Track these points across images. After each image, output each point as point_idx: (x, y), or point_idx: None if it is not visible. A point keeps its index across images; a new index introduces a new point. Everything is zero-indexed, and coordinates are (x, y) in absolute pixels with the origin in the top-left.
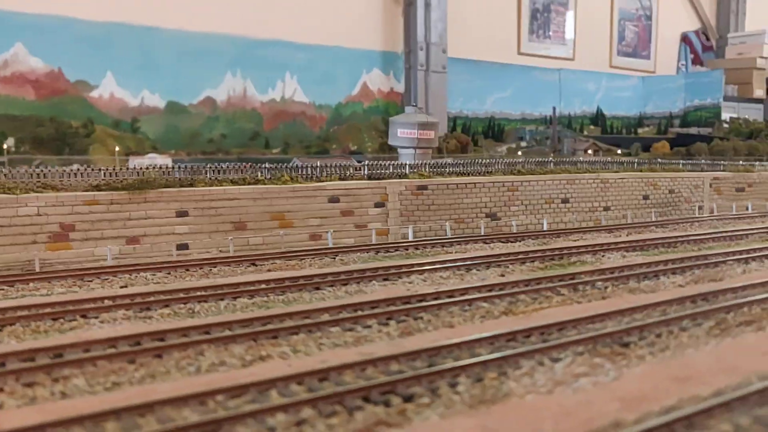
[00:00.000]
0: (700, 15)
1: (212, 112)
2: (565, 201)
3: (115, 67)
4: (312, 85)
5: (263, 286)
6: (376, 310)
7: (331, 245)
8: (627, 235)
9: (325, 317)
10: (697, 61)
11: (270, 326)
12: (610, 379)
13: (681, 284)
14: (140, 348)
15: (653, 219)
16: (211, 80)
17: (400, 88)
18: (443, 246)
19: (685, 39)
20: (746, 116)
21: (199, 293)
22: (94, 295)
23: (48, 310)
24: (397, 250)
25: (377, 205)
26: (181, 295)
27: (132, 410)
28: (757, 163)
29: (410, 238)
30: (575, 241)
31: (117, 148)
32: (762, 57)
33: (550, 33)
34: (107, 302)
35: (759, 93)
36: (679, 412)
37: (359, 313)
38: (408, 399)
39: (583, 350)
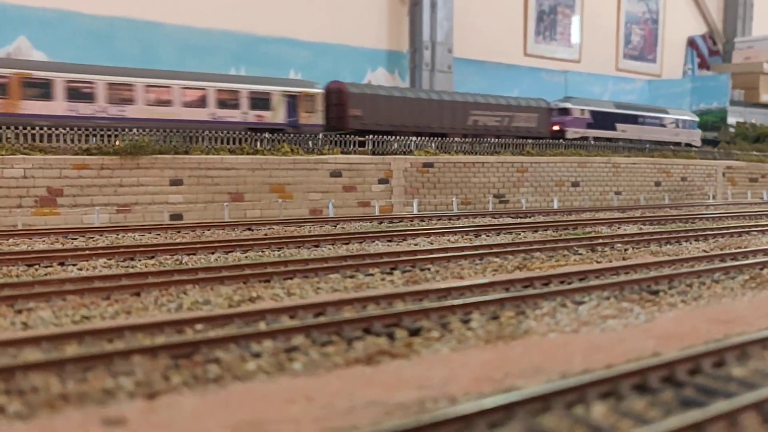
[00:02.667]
0: (707, 19)
1: None
2: (575, 184)
3: (118, 61)
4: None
5: (259, 243)
6: (379, 261)
7: (331, 215)
8: (641, 214)
9: (325, 265)
10: (703, 65)
11: (262, 270)
12: (641, 321)
13: (705, 249)
14: (116, 285)
15: (667, 202)
16: None
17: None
18: (450, 219)
19: (691, 43)
20: (753, 120)
21: (188, 247)
22: (75, 246)
23: (23, 257)
24: (401, 221)
25: (381, 181)
26: (169, 248)
27: (98, 334)
28: None
29: (415, 212)
30: (589, 216)
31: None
32: None
33: (557, 35)
34: (87, 252)
35: (766, 98)
36: (729, 341)
37: (361, 262)
38: (415, 332)
39: (609, 295)
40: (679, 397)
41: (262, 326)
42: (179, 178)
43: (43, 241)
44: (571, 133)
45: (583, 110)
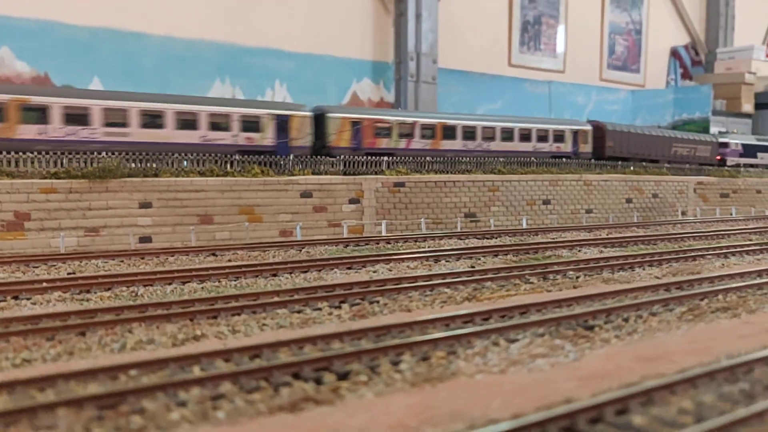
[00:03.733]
0: (689, 29)
1: None
2: (546, 202)
3: (102, 72)
4: (301, 94)
5: (217, 272)
6: (330, 293)
7: (299, 238)
8: (607, 234)
9: (274, 299)
10: (686, 75)
11: (210, 306)
12: (570, 360)
13: (657, 276)
14: (62, 325)
15: (635, 220)
16: (200, 87)
17: (390, 98)
18: (416, 241)
19: (674, 53)
20: (734, 130)
21: (146, 278)
22: (33, 278)
23: None
24: (367, 244)
25: (352, 201)
26: (126, 279)
27: (30, 383)
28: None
29: (383, 233)
30: (553, 237)
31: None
32: (750, 72)
33: (541, 45)
34: (44, 284)
35: (747, 108)
36: (638, 386)
37: (311, 295)
38: (343, 377)
39: (544, 332)
40: None
41: (194, 372)
42: (148, 201)
43: (3, 269)
44: (730, 161)
45: (736, 143)
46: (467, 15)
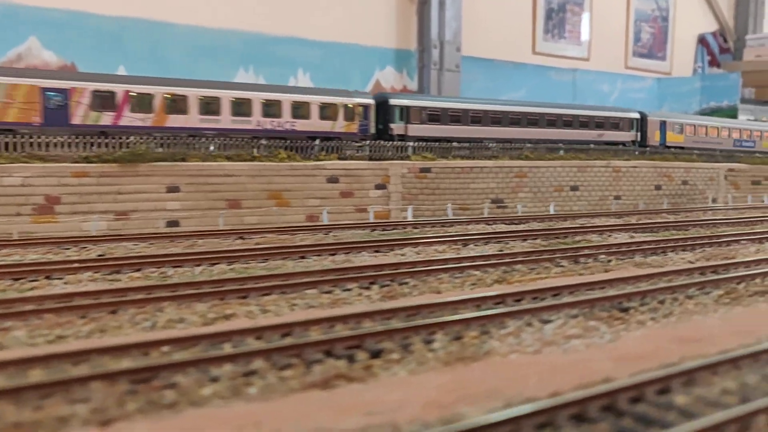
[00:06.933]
0: (717, 16)
1: None
2: (574, 188)
3: (128, 61)
4: (324, 82)
5: (246, 254)
6: (359, 274)
7: (326, 223)
8: (637, 220)
9: (304, 280)
10: (714, 63)
11: (241, 286)
12: (605, 341)
13: (691, 260)
14: (93, 302)
15: (665, 207)
16: (224, 76)
17: (413, 86)
18: (443, 226)
19: (702, 40)
20: (764, 119)
21: (175, 259)
22: (65, 259)
23: (11, 270)
24: (394, 229)
25: (378, 186)
26: (156, 260)
27: (64, 357)
28: None
29: (409, 218)
30: (582, 223)
31: None
32: None
33: (566, 33)
34: (76, 265)
35: None
36: (678, 367)
37: (341, 276)
38: (376, 354)
39: (578, 313)
40: (615, 428)
41: (225, 349)
42: (176, 185)
43: (36, 251)
44: None
45: None
46: (491, 2)
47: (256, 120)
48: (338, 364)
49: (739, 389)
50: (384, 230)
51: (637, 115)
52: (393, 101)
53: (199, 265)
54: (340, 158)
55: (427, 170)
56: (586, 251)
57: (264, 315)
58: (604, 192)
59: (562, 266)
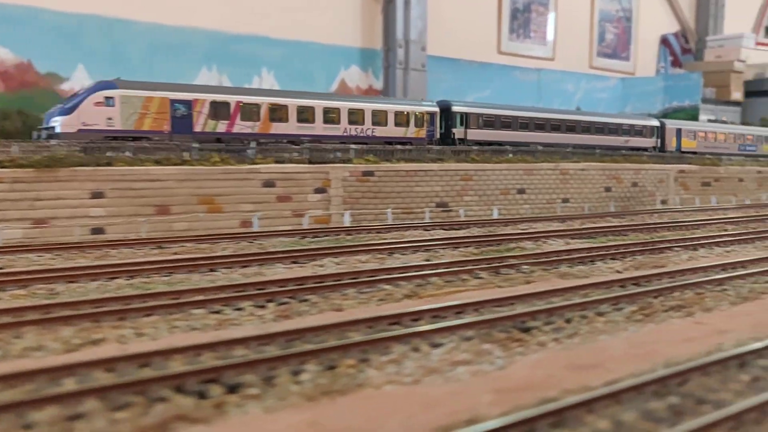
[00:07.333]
0: (679, 18)
1: None
2: (521, 192)
3: (87, 59)
4: (289, 81)
5: (152, 266)
6: (260, 291)
7: (256, 229)
8: (580, 224)
9: (196, 298)
10: (676, 63)
11: (125, 306)
12: (494, 368)
13: (619, 270)
14: None
15: (611, 210)
16: (187, 74)
17: (378, 85)
18: (379, 232)
19: (664, 41)
20: (724, 118)
21: (70, 274)
22: None
23: None
24: (327, 235)
25: (318, 191)
26: (51, 275)
27: None
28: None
29: (346, 224)
30: (523, 228)
31: None
32: (740, 60)
33: (531, 33)
34: None
35: (737, 95)
36: (553, 404)
37: (240, 293)
38: (233, 389)
39: (474, 335)
40: None
41: (66, 385)
42: (101, 191)
43: None
44: None
45: None
46: (456, 2)
47: (344, 127)
48: (185, 402)
49: (611, 430)
50: (315, 237)
51: (657, 124)
52: (455, 108)
53: (95, 280)
54: (277, 161)
55: (370, 173)
56: (513, 261)
57: (138, 339)
58: (551, 195)
59: (480, 278)
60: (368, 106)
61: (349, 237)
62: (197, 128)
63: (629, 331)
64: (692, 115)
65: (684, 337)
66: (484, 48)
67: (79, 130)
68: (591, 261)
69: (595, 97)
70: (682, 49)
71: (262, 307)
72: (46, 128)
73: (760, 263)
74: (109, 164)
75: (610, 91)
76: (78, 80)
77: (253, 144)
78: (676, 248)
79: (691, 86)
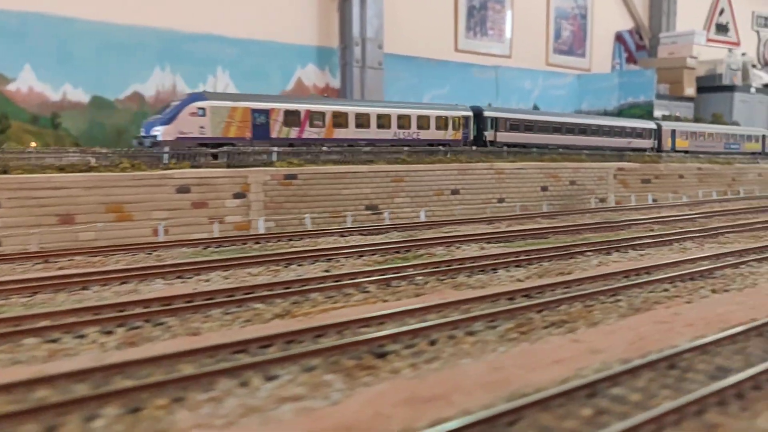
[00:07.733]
0: (633, 15)
1: (140, 108)
2: (455, 192)
3: (34, 59)
4: (244, 80)
5: (14, 286)
6: (119, 314)
7: (161, 239)
8: (507, 226)
9: (41, 324)
10: (631, 59)
11: None
12: (327, 404)
13: (520, 278)
14: None
15: (544, 210)
16: (139, 75)
17: (336, 83)
18: (291, 239)
19: (619, 38)
20: (677, 113)
21: None
22: None
23: None
24: (233, 245)
25: (237, 195)
26: None
27: None
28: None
29: (261, 231)
30: (446, 232)
31: (33, 144)
32: (692, 56)
33: (488, 30)
34: None
35: (689, 91)
36: None
37: (85, 318)
38: None
39: (319, 363)
40: None
41: None
42: None
43: None
44: None
45: None
46: (412, 0)
47: (394, 131)
48: None
49: None
50: (220, 246)
51: (655, 126)
52: (486, 113)
53: None
54: (192, 166)
55: (292, 177)
56: (410, 271)
57: None
58: (487, 195)
59: (367, 292)
60: (414, 112)
61: (256, 246)
62: (273, 134)
63: (497, 352)
64: (647, 110)
65: (552, 359)
66: (441, 46)
67: (177, 138)
68: (493, 269)
69: (552, 94)
70: (637, 46)
71: (110, 333)
72: (147, 137)
73: (666, 268)
74: (5, 172)
75: (567, 88)
76: (25, 81)
77: (325, 147)
78: (589, 253)
79: (646, 82)
